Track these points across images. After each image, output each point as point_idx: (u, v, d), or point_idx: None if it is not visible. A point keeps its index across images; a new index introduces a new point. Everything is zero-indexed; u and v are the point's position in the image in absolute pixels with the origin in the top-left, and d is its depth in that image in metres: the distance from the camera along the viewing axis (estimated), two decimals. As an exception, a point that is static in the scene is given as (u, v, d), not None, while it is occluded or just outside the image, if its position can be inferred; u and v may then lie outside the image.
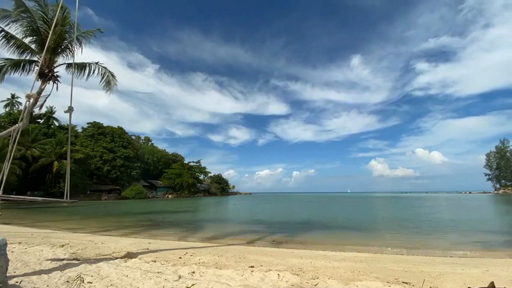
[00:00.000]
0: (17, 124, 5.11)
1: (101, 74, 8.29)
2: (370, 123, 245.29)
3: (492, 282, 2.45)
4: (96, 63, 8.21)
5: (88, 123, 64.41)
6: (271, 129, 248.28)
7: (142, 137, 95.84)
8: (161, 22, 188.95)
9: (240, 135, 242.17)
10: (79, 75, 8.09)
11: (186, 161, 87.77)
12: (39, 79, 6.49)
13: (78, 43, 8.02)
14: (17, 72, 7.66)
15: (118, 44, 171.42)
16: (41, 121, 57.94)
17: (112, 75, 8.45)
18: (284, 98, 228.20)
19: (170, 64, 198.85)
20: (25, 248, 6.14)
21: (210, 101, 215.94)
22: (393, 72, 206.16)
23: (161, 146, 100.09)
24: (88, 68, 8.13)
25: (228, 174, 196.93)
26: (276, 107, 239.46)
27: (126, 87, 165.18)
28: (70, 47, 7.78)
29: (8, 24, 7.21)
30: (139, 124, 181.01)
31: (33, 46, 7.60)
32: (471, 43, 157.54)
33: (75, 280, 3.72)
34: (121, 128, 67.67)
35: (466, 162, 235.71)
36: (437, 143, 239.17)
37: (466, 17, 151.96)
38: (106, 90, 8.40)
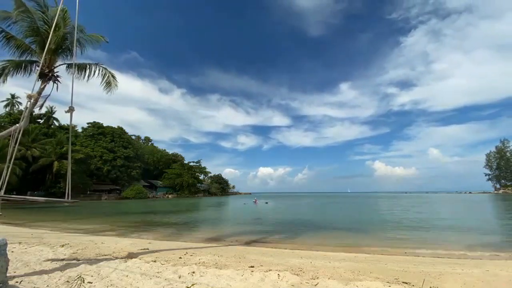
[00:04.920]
0: (17, 124, 5.10)
1: (102, 75, 8.21)
2: (363, 131, 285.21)
3: None
4: (97, 64, 8.13)
5: (88, 123, 64.49)
6: (274, 136, 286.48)
7: (142, 137, 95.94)
8: (189, 60, 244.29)
9: (247, 140, 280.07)
10: (80, 75, 8.01)
11: (186, 161, 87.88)
12: (40, 79, 6.49)
13: (78, 44, 7.99)
14: (19, 73, 7.65)
15: (151, 73, 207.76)
16: (41, 121, 57.92)
17: (113, 76, 8.39)
18: (286, 113, 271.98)
19: (193, 89, 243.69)
20: (25, 248, 6.14)
21: (224, 115, 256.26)
22: (376, 95, 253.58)
23: (174, 150, 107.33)
24: (89, 69, 8.05)
25: (230, 174, 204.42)
26: (279, 120, 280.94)
27: (156, 106, 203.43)
28: (71, 48, 7.75)
29: (9, 26, 7.21)
30: (160, 133, 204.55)
31: (33, 46, 7.59)
32: (422, 74, 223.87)
33: (75, 280, 3.73)
34: (121, 128, 67.65)
35: (461, 163, 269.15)
36: (428, 146, 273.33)
37: (410, 57, 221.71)
38: (107, 91, 8.33)
